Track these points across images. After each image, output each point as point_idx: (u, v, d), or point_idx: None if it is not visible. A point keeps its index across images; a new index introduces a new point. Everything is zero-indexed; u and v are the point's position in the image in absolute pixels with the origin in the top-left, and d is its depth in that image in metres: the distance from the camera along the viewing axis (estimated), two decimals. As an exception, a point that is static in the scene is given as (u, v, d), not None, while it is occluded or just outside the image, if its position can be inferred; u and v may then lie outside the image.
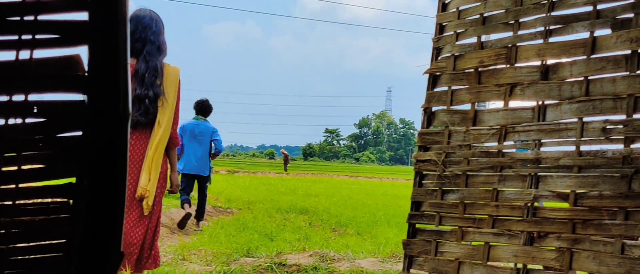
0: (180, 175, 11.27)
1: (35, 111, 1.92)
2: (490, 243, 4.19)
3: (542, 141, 3.99)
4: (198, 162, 11.47)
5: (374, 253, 8.97)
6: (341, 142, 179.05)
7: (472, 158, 4.34)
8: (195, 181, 11.71)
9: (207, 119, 11.82)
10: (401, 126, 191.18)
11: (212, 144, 11.68)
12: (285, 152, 59.54)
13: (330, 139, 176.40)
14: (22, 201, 1.99)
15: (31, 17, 1.88)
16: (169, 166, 5.18)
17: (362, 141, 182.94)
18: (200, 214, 11.83)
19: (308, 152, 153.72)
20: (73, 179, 1.97)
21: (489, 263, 4.20)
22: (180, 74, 5.03)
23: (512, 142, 4.20)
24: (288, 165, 55.96)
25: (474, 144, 4.36)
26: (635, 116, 3.55)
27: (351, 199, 20.96)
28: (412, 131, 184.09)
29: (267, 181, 33.01)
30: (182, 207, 11.29)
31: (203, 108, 11.74)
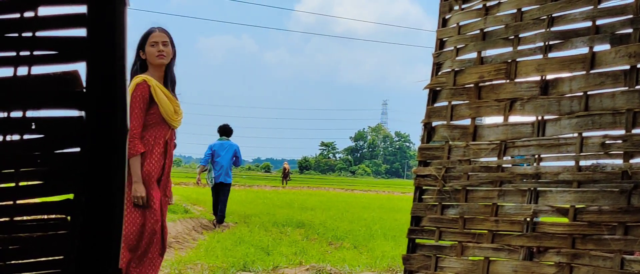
0: (212, 185, 14.89)
1: (33, 127, 1.91)
2: (490, 258, 4.17)
3: (542, 155, 3.98)
4: (222, 173, 14.62)
5: (371, 266, 8.97)
6: (337, 155, 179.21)
7: (472, 173, 4.32)
8: (221, 188, 14.77)
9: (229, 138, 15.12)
10: (397, 139, 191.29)
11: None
12: (287, 165, 59.40)
13: (326, 153, 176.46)
14: (20, 218, 1.98)
15: (29, 34, 1.87)
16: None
17: (358, 154, 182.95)
18: (221, 217, 14.79)
19: (304, 166, 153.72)
20: (71, 196, 1.96)
21: (488, 278, 4.18)
22: (134, 86, 5.12)
23: (510, 158, 4.19)
24: (288, 179, 55.66)
25: (474, 159, 4.35)
26: (634, 131, 3.54)
27: (347, 212, 20.94)
28: (407, 144, 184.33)
29: (263, 194, 32.97)
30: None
31: (225, 130, 15.09)
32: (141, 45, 5.26)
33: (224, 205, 14.88)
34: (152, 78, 5.16)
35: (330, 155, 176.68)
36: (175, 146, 5.60)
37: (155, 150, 5.18)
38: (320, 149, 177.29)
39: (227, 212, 17.34)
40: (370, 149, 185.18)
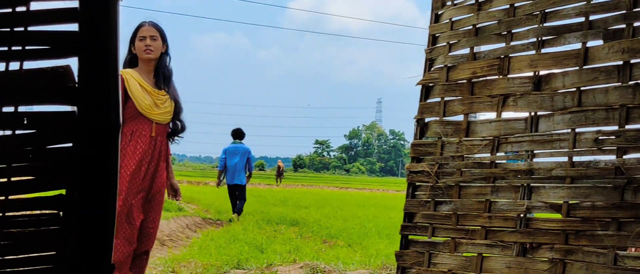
0: (227, 186, 16.13)
1: (25, 122, 1.90)
2: (483, 254, 4.17)
3: (535, 151, 3.98)
4: (237, 175, 15.75)
5: (365, 264, 8.94)
6: (331, 153, 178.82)
7: (465, 169, 4.33)
8: (236, 189, 15.94)
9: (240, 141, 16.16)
10: (391, 137, 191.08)
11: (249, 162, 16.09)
12: (282, 163, 59.29)
13: (320, 151, 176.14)
14: (12, 213, 1.97)
15: (21, 28, 1.87)
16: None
17: (353, 152, 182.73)
18: (239, 210, 15.87)
19: (298, 164, 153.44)
20: (63, 191, 1.95)
21: (481, 274, 4.19)
22: (123, 77, 5.10)
23: (503, 154, 4.19)
24: (282, 177, 55.53)
25: (467, 155, 4.35)
26: (627, 127, 3.55)
27: (341, 210, 20.91)
28: (402, 142, 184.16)
29: (257, 192, 32.90)
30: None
31: (238, 134, 16.13)
32: (132, 40, 5.26)
33: (242, 202, 16.06)
34: (128, 71, 5.14)
35: (325, 153, 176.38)
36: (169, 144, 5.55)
37: (132, 144, 5.13)
38: (314, 147, 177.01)
39: (221, 209, 17.58)
40: (365, 147, 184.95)
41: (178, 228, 12.74)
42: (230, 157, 15.81)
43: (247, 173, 16.22)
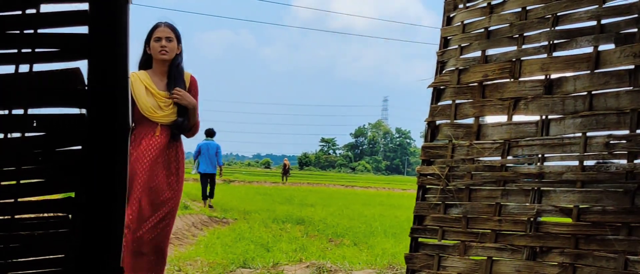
0: (200, 175, 19.78)
1: (34, 124, 1.90)
2: (493, 258, 4.15)
3: (546, 155, 3.96)
4: (209, 166, 19.34)
5: (371, 264, 8.94)
6: (337, 151, 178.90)
7: (476, 172, 4.31)
8: (208, 177, 19.45)
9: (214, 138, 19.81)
10: (397, 135, 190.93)
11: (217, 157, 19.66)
12: (288, 161, 59.17)
13: (326, 149, 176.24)
14: (21, 216, 1.96)
15: (31, 31, 1.85)
16: None
17: (358, 151, 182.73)
18: (211, 194, 19.64)
19: (304, 162, 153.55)
20: (72, 194, 1.95)
21: (491, 277, 4.17)
22: (132, 76, 5.06)
23: (512, 158, 4.17)
24: (288, 175, 55.39)
25: (478, 158, 4.33)
26: (638, 131, 3.52)
27: (347, 209, 20.94)
28: (408, 141, 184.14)
29: (263, 190, 32.95)
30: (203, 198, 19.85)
31: (210, 133, 19.68)
32: (147, 40, 5.22)
33: (213, 187, 19.78)
34: (135, 73, 5.10)
35: (331, 151, 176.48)
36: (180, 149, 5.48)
37: (135, 145, 5.10)
38: (320, 145, 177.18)
39: (227, 208, 17.97)
40: (371, 146, 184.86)
41: (184, 226, 12.74)
42: (204, 151, 19.28)
43: (218, 166, 19.97)
